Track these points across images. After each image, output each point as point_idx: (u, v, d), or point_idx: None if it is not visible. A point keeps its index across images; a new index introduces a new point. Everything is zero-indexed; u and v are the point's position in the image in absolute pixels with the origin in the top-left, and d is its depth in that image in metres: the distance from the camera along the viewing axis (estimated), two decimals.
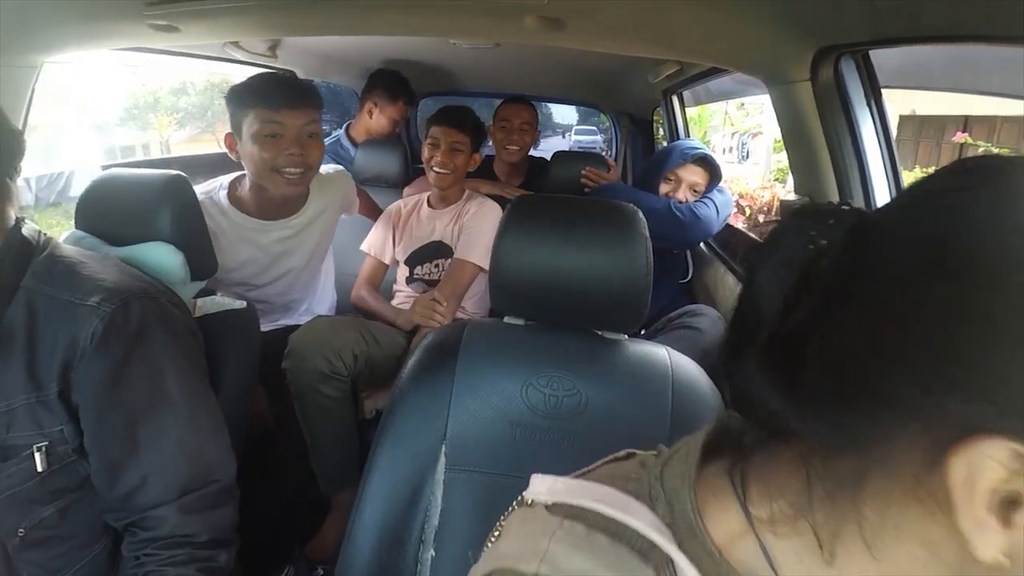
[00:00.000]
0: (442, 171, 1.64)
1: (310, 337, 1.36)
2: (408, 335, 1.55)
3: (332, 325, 1.42)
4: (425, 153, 1.66)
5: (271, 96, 1.22)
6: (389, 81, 2.17)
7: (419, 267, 1.68)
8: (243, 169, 1.36)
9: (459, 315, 1.64)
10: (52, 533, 0.76)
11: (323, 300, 1.71)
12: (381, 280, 1.74)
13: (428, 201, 1.74)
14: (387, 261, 1.74)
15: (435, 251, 1.67)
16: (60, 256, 0.78)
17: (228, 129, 1.35)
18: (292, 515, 1.51)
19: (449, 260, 1.63)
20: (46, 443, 0.72)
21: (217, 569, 0.76)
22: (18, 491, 0.73)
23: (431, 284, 1.66)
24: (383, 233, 1.74)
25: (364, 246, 1.75)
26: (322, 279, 1.68)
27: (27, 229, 0.77)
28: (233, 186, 1.41)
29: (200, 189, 1.36)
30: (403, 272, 1.72)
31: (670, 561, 0.33)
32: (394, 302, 1.72)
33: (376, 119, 2.20)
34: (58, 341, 0.72)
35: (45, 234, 0.80)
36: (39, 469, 0.72)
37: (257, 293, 1.49)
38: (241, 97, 1.25)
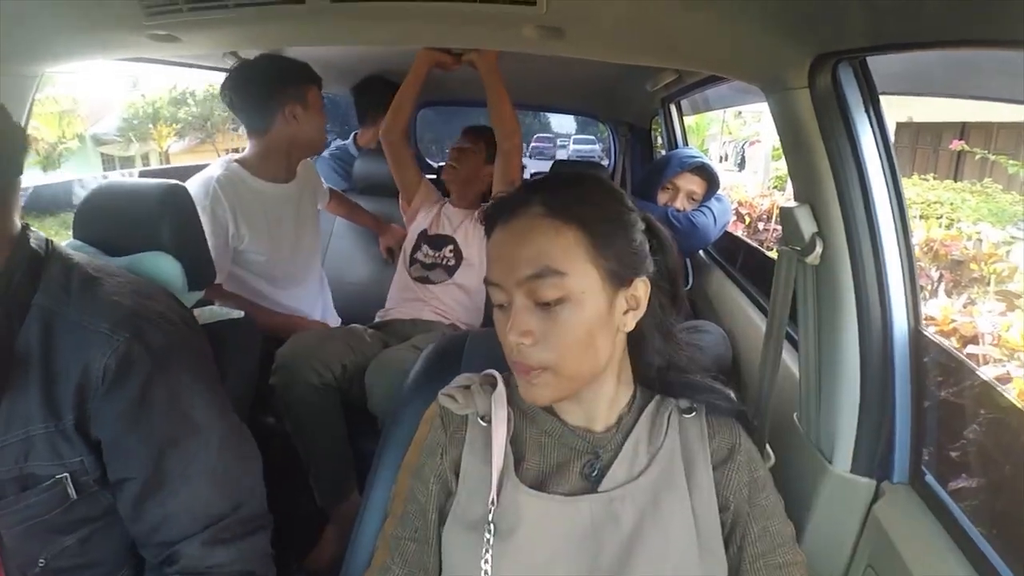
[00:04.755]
0: (450, 164, 1.76)
1: (297, 350, 1.37)
2: (392, 343, 1.56)
3: (317, 337, 1.43)
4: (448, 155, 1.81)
5: (316, 76, 1.53)
6: (376, 91, 2.20)
7: (424, 246, 1.75)
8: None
9: (444, 318, 1.67)
10: (73, 563, 0.73)
11: (322, 307, 1.77)
12: (413, 168, 1.83)
13: (449, 201, 1.83)
14: (420, 186, 1.83)
15: (444, 242, 1.74)
16: (72, 268, 0.75)
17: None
18: (290, 527, 1.49)
19: (450, 248, 1.72)
20: (67, 474, 0.69)
21: None
22: (39, 521, 0.70)
23: (427, 267, 1.72)
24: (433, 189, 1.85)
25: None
26: (318, 279, 1.78)
27: (34, 239, 0.74)
28: (242, 160, 1.54)
29: (206, 173, 1.47)
30: (408, 246, 1.77)
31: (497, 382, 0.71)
32: (395, 291, 1.77)
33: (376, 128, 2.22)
34: (71, 368, 0.69)
35: (51, 242, 0.77)
36: (73, 498, 0.70)
37: (267, 261, 1.55)
38: (304, 72, 1.50)
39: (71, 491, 0.70)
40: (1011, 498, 0.81)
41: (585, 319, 0.60)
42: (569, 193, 0.63)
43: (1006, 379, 1.50)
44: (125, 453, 0.71)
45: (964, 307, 2.00)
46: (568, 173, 0.68)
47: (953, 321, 1.87)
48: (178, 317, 0.80)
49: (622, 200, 0.66)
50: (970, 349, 1.74)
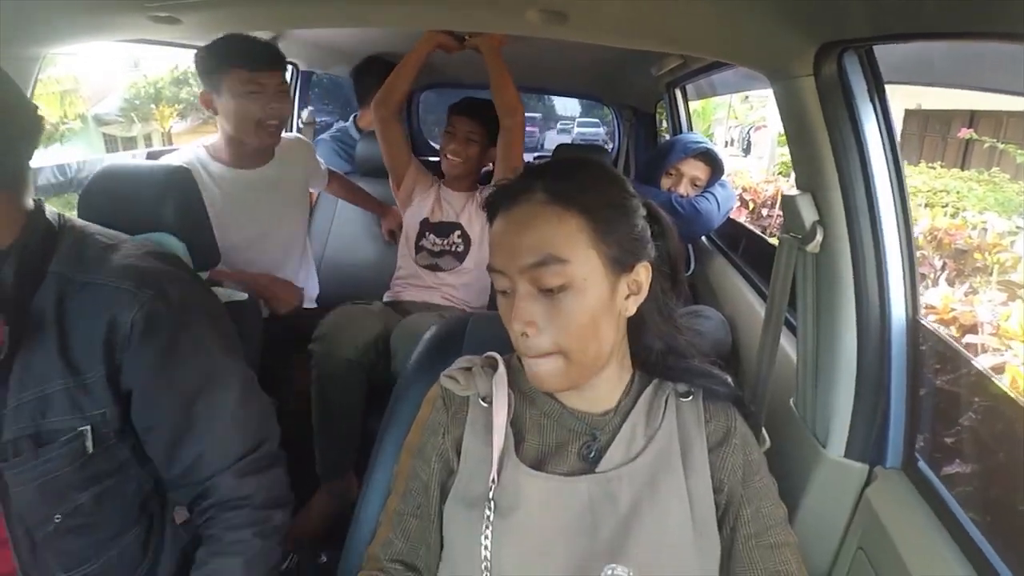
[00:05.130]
0: (454, 159, 1.70)
1: (344, 323, 1.40)
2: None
3: (364, 313, 1.46)
4: (443, 141, 1.74)
5: (252, 57, 1.36)
6: (376, 72, 2.17)
7: (429, 234, 1.73)
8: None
9: (456, 304, 1.68)
10: (87, 521, 0.77)
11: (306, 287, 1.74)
12: (403, 148, 1.78)
13: (443, 183, 1.80)
14: (410, 166, 1.78)
15: (450, 229, 1.73)
16: (86, 237, 0.78)
17: None
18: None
19: (457, 233, 1.71)
20: (88, 426, 0.73)
21: (273, 528, 0.81)
22: (56, 477, 0.73)
23: (435, 255, 1.71)
24: (424, 170, 1.80)
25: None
26: (300, 264, 1.72)
27: (49, 212, 0.77)
28: (209, 145, 1.50)
29: (174, 157, 1.47)
30: (411, 234, 1.74)
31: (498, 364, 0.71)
32: (401, 276, 1.75)
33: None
34: (96, 324, 0.73)
35: (64, 216, 0.80)
36: (90, 451, 0.74)
37: (242, 256, 1.51)
38: (221, 57, 1.35)
39: (89, 444, 0.74)
40: (1000, 484, 0.82)
41: (588, 305, 0.60)
42: (571, 179, 0.63)
43: (1003, 368, 1.51)
44: (155, 401, 0.76)
45: (965, 296, 2.00)
46: (570, 159, 0.68)
47: (953, 310, 1.87)
48: (191, 276, 0.86)
49: (623, 186, 0.66)
50: (968, 338, 1.74)
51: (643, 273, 0.65)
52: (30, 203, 0.75)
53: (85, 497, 0.75)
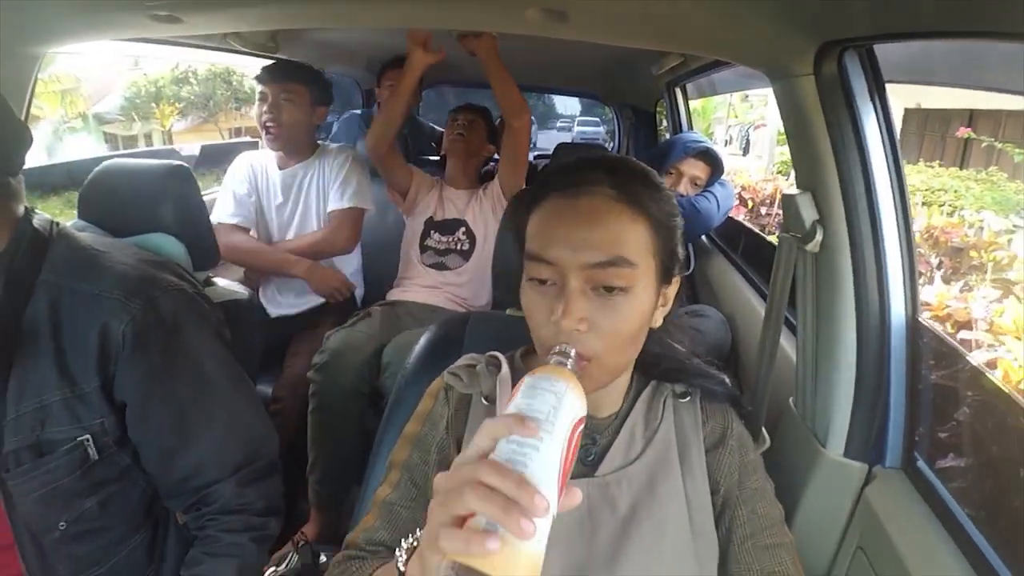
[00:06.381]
0: (459, 133, 1.79)
1: (340, 350, 1.39)
2: (408, 322, 1.57)
3: (358, 336, 1.44)
4: (445, 133, 1.86)
5: (263, 73, 1.65)
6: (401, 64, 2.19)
7: (434, 233, 1.74)
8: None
9: (460, 307, 1.66)
10: (93, 526, 0.77)
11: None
12: (404, 170, 1.80)
13: (445, 183, 1.83)
14: (412, 180, 1.80)
15: (455, 226, 1.74)
16: (77, 246, 0.78)
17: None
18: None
19: (462, 230, 1.72)
20: (87, 436, 0.73)
21: (268, 536, 0.82)
22: (59, 485, 0.73)
23: (440, 253, 1.72)
24: (424, 175, 1.83)
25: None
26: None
27: (37, 220, 0.76)
28: None
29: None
30: (415, 234, 1.75)
31: (501, 363, 0.70)
32: (406, 277, 1.76)
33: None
34: (89, 335, 0.72)
35: (57, 223, 0.79)
36: (93, 459, 0.74)
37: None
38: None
39: (92, 452, 0.74)
40: (996, 478, 0.83)
41: (640, 311, 0.58)
42: (637, 182, 0.61)
43: (995, 363, 1.52)
44: (149, 413, 0.76)
45: (960, 293, 2.01)
46: (629, 160, 0.65)
47: (947, 306, 1.88)
48: (186, 284, 0.84)
49: (672, 199, 0.64)
50: (963, 335, 1.75)
51: (673, 287, 0.64)
52: (19, 212, 0.74)
53: (90, 503, 0.75)
